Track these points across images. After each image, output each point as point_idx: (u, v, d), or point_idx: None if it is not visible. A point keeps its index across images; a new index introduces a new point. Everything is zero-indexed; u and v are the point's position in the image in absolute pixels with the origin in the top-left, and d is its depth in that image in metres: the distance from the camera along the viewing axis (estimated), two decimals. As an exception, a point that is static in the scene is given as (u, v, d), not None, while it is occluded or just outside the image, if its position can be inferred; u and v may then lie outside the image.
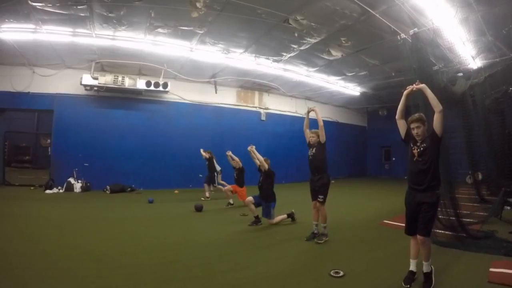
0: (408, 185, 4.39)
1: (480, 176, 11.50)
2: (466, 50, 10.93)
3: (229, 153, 10.82)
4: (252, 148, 8.29)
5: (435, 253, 4.97)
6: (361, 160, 25.84)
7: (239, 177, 10.75)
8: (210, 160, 12.20)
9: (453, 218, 6.52)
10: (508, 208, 8.80)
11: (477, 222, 7.64)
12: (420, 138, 4.24)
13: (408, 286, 4.08)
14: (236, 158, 10.70)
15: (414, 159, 4.26)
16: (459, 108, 11.18)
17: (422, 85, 4.31)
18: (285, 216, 8.07)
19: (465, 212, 8.20)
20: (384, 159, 25.39)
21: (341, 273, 4.50)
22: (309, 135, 6.71)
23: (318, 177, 6.50)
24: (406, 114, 4.51)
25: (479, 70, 11.48)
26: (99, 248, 5.71)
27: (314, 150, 6.60)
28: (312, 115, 6.76)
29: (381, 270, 4.77)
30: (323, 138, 6.52)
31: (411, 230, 4.28)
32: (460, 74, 11.44)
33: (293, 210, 8.21)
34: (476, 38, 10.17)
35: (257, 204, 7.96)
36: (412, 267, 4.26)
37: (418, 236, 4.15)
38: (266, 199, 7.86)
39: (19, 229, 6.86)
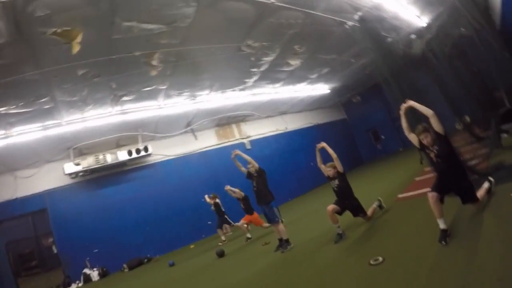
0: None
1: (468, 119, 11.75)
2: (410, 12, 11.19)
3: (228, 187, 10.83)
4: (237, 152, 8.28)
5: (451, 204, 5.08)
6: (353, 150, 25.85)
7: (246, 206, 10.82)
8: (216, 205, 12.22)
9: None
10: (505, 135, 9.07)
11: (482, 160, 7.81)
12: (430, 144, 4.80)
13: (444, 243, 4.23)
14: (236, 190, 10.77)
15: (434, 161, 4.87)
16: (424, 66, 11.55)
17: (410, 102, 5.00)
18: (285, 235, 7.63)
19: (468, 156, 8.36)
20: (374, 140, 25.47)
21: (380, 259, 4.53)
22: (326, 170, 6.94)
23: (349, 201, 6.82)
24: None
25: (429, 26, 11.89)
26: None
27: (337, 181, 6.87)
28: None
29: (416, 244, 4.76)
30: (340, 168, 6.83)
31: (439, 189, 4.53)
32: (413, 36, 11.83)
33: (288, 241, 7.65)
34: None
35: (268, 219, 7.92)
36: (442, 226, 4.39)
37: (472, 204, 4.80)
38: (265, 201, 7.68)
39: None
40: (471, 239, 4.12)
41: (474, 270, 3.39)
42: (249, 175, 8.04)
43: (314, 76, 15.71)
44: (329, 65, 14.89)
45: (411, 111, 5.18)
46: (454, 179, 4.68)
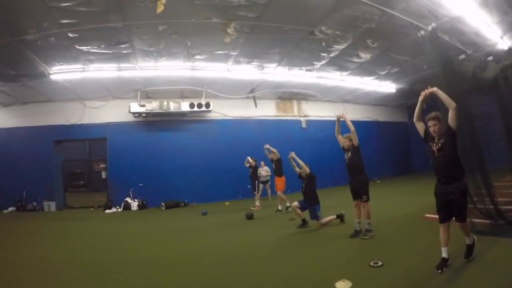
0: (436, 178, 4.79)
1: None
2: (493, 32, 10.80)
3: (267, 145, 11.41)
4: (292, 155, 8.75)
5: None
6: (405, 157, 25.35)
7: (278, 167, 11.49)
8: (254, 168, 12.85)
9: (490, 206, 6.52)
10: None
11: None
12: (437, 135, 4.64)
13: (440, 271, 4.38)
14: (274, 150, 11.32)
15: (435, 155, 4.68)
16: (493, 93, 11.14)
17: (434, 89, 4.65)
18: (334, 217, 8.41)
19: (507, 199, 8.10)
20: (428, 153, 24.72)
21: (380, 263, 4.94)
22: (342, 141, 7.11)
23: (357, 178, 6.93)
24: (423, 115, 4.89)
25: (509, 50, 11.39)
26: (164, 254, 6.55)
27: (349, 154, 7.00)
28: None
29: (417, 259, 5.11)
30: (356, 142, 6.91)
31: (441, 217, 4.65)
32: (490, 57, 11.44)
33: (342, 212, 8.52)
34: (500, 19, 10.09)
35: (302, 208, 8.29)
36: (444, 254, 4.54)
37: (457, 223, 4.62)
38: (311, 203, 8.21)
39: (92, 243, 7.87)
40: (467, 277, 4.29)
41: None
42: (300, 177, 8.61)
43: (382, 72, 15.56)
44: (399, 66, 14.67)
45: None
46: (451, 180, 4.57)
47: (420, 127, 4.89)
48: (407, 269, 4.74)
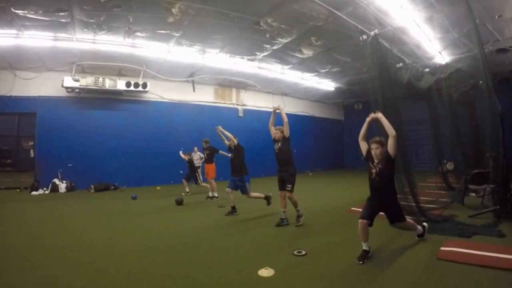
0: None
1: (452, 166, 12.17)
2: (433, 47, 11.45)
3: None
4: (220, 128, 9.20)
5: (392, 236, 5.80)
6: (338, 153, 26.53)
7: (210, 155, 11.88)
8: (190, 161, 12.65)
9: (413, 204, 7.07)
10: (473, 194, 9.37)
11: (439, 207, 8.29)
12: (377, 158, 4.93)
13: (361, 262, 4.64)
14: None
15: (372, 177, 4.99)
16: (426, 101, 11.83)
17: (379, 115, 5.07)
18: (262, 195, 8.62)
19: (429, 198, 9.00)
20: (360, 151, 25.84)
21: (303, 252, 5.12)
22: (274, 132, 7.26)
23: (286, 169, 7.13)
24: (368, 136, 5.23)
25: (446, 65, 12.04)
26: (89, 239, 6.26)
27: (279, 144, 7.19)
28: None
29: (340, 250, 5.38)
30: (287, 133, 7.12)
31: (367, 217, 4.82)
32: (427, 69, 12.10)
33: (270, 194, 8.66)
34: (442, 35, 10.71)
35: (234, 187, 8.41)
36: (364, 247, 4.83)
37: (400, 224, 5.21)
38: (239, 174, 8.41)
39: (14, 228, 7.33)
40: (386, 267, 4.53)
41: None
42: (229, 148, 8.97)
43: (323, 70, 15.97)
44: (340, 66, 15.13)
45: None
46: (383, 200, 4.96)
47: (363, 146, 5.21)
48: (329, 259, 4.94)
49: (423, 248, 5.33)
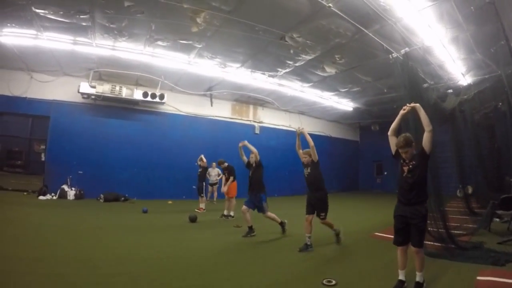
0: (397, 199, 4.56)
1: (470, 190, 11.74)
2: (457, 68, 11.28)
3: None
4: (245, 143, 8.65)
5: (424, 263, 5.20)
6: (353, 174, 26.16)
7: (232, 173, 11.11)
8: (203, 169, 12.26)
9: (442, 230, 6.71)
10: (497, 220, 8.99)
11: (466, 233, 7.85)
12: (408, 158, 4.42)
13: None
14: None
15: (404, 175, 4.43)
16: (449, 123, 11.46)
17: (417, 105, 4.53)
18: (278, 219, 8.14)
19: (454, 224, 8.40)
20: (376, 173, 25.57)
21: (333, 282, 4.62)
22: (302, 156, 6.97)
23: (316, 194, 6.79)
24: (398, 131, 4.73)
25: (469, 86, 11.82)
26: (96, 255, 5.79)
27: (309, 169, 6.87)
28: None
29: (372, 280, 4.89)
30: (315, 157, 6.78)
31: (399, 241, 4.42)
32: (450, 90, 11.77)
33: (286, 221, 8.26)
34: (466, 56, 10.55)
35: (251, 206, 8.00)
36: (401, 277, 4.38)
37: (412, 248, 4.33)
38: (258, 191, 8.03)
39: (15, 234, 6.94)
40: None
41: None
42: (248, 164, 8.51)
43: (343, 90, 15.76)
44: (361, 85, 14.90)
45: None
46: (412, 202, 4.36)
47: (393, 141, 4.64)
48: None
49: (458, 277, 4.91)
